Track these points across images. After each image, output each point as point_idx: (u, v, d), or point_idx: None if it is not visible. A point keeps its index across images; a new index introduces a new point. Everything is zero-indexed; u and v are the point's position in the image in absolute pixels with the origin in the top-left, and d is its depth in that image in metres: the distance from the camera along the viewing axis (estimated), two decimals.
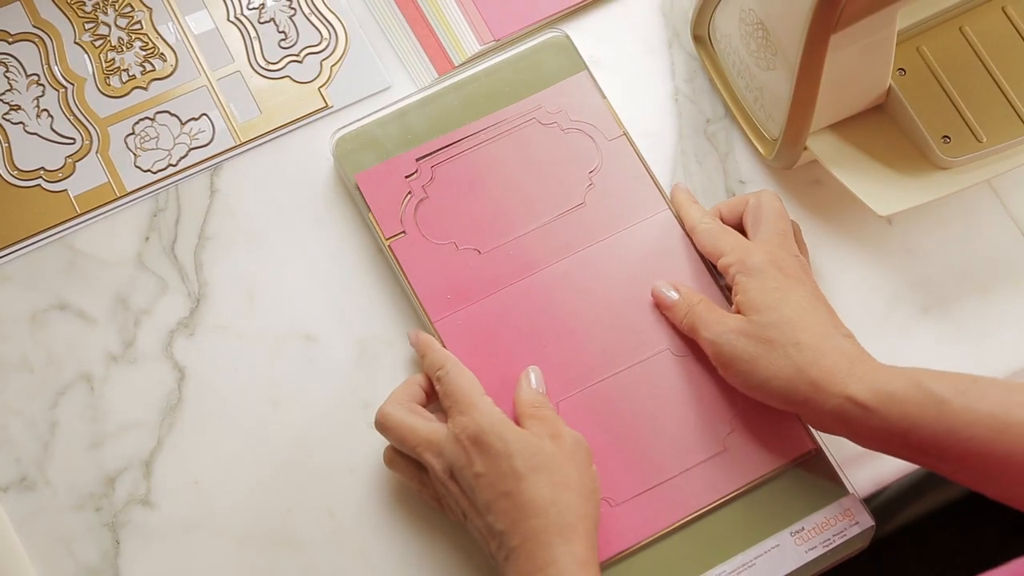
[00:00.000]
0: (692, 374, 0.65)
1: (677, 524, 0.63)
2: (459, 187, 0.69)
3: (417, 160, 0.69)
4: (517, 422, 0.61)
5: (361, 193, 0.68)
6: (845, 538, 0.64)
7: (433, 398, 0.64)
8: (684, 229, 0.68)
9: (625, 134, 0.70)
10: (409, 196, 0.68)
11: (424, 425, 0.61)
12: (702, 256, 0.68)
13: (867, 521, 0.64)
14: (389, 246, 0.67)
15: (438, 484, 0.61)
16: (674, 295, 0.65)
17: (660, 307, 0.66)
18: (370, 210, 0.68)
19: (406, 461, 0.63)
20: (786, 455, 0.64)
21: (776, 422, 0.64)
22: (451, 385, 0.61)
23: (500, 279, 0.67)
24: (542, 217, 0.68)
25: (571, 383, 0.65)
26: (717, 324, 0.63)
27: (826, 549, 0.63)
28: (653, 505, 0.63)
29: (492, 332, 0.66)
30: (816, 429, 0.63)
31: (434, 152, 0.69)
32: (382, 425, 0.62)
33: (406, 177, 0.69)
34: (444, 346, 0.65)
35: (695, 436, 0.64)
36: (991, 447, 0.55)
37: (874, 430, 0.58)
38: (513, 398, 0.63)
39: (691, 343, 0.65)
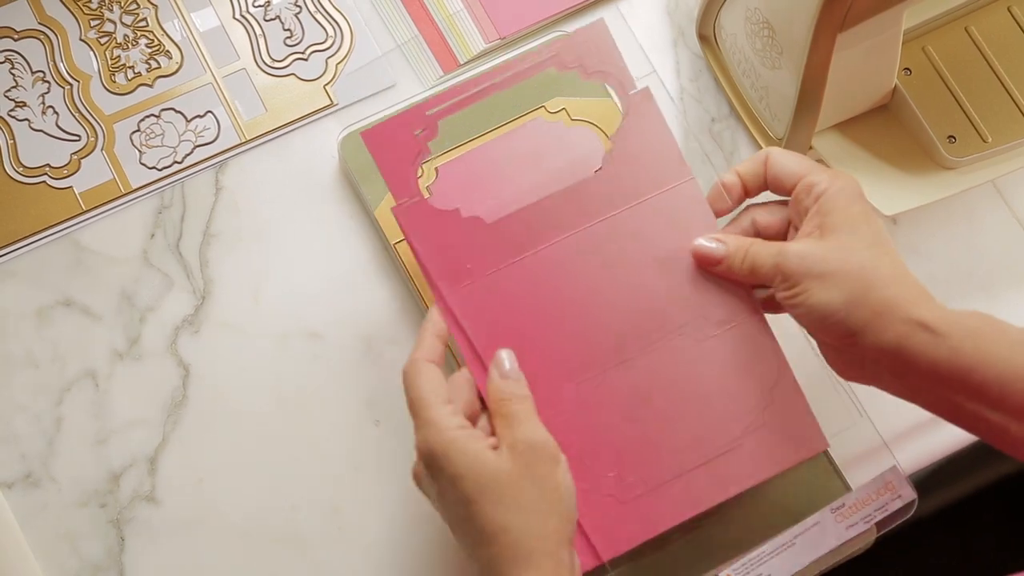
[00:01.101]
0: (714, 360, 0.62)
1: (698, 516, 0.60)
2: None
3: (427, 115, 0.63)
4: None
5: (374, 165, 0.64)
6: (888, 512, 0.62)
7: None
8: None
9: (648, 85, 0.64)
10: (420, 156, 0.63)
11: (421, 419, 0.56)
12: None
13: (909, 493, 0.62)
14: (395, 213, 0.62)
15: None
16: (722, 247, 0.61)
17: (707, 264, 0.61)
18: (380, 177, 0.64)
19: None
20: (805, 450, 0.61)
21: (794, 417, 0.61)
22: (410, 392, 0.56)
23: (512, 250, 0.62)
24: (559, 180, 0.64)
25: (586, 366, 0.61)
26: (781, 250, 0.58)
27: (867, 525, 0.61)
28: (673, 496, 0.60)
29: (503, 308, 0.61)
30: (855, 374, 0.59)
31: (444, 107, 0.64)
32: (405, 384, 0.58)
33: (416, 135, 0.63)
34: (457, 322, 0.60)
35: (717, 425, 0.61)
36: None
37: (934, 364, 0.55)
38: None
39: (715, 325, 0.62)
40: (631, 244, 0.62)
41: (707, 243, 0.61)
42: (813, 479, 0.65)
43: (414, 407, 0.56)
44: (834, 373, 0.60)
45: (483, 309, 0.61)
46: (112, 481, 0.66)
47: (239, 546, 0.65)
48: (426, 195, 0.68)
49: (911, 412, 0.58)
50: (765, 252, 0.59)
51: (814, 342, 0.61)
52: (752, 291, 0.62)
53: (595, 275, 0.62)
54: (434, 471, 0.55)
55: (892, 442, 0.69)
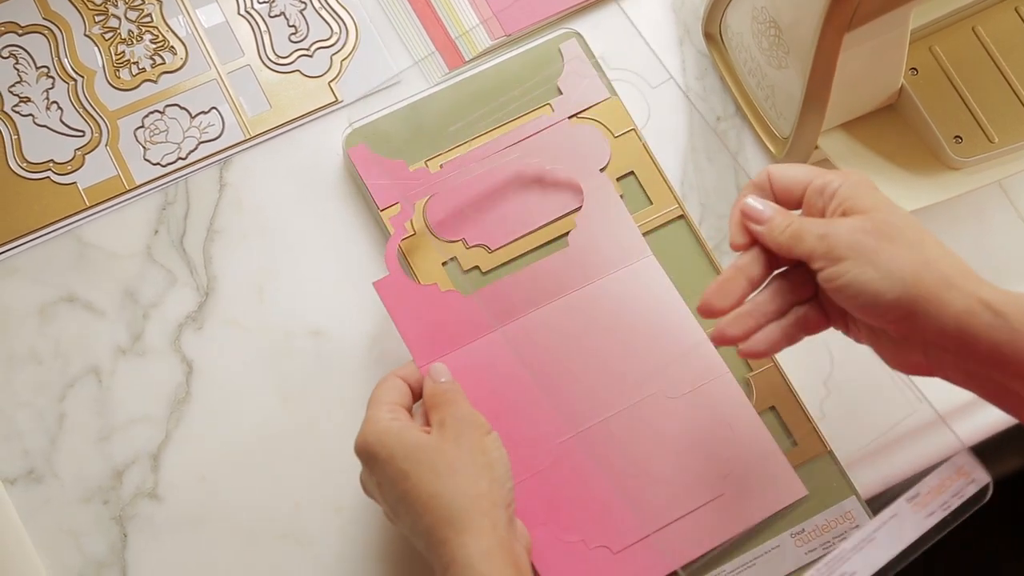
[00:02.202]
0: (686, 417, 0.64)
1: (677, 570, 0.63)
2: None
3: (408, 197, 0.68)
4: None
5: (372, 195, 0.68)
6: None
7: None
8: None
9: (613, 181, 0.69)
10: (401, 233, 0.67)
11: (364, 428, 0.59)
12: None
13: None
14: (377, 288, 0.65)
15: None
16: (769, 210, 0.57)
17: (751, 220, 0.57)
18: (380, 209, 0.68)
19: None
20: (782, 500, 0.63)
21: (771, 466, 0.64)
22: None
23: (488, 323, 0.65)
24: (530, 258, 0.68)
25: (558, 431, 0.64)
26: (828, 223, 0.55)
27: (825, 551, 0.63)
28: (651, 552, 0.62)
29: (478, 377, 0.64)
30: (914, 362, 0.55)
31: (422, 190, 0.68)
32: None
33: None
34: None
35: (692, 480, 0.63)
36: None
37: (996, 346, 0.51)
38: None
39: (686, 383, 0.64)
40: (599, 314, 0.66)
41: (755, 203, 0.58)
42: (820, 481, 0.65)
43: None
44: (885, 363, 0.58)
45: (459, 379, 0.63)
46: (115, 478, 0.66)
47: (241, 543, 0.65)
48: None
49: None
50: (811, 224, 0.55)
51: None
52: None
53: (566, 345, 0.65)
54: (370, 463, 0.57)
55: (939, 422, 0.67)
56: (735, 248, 0.58)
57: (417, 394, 0.61)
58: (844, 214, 0.55)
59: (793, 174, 0.58)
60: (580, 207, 0.68)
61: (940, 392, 0.62)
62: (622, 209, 0.68)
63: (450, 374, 0.62)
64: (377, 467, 0.57)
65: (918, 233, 0.54)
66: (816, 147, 0.69)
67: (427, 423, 0.59)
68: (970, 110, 0.70)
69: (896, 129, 0.70)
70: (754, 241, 0.58)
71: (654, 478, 0.63)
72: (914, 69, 0.71)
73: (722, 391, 0.65)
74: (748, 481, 0.63)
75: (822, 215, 0.56)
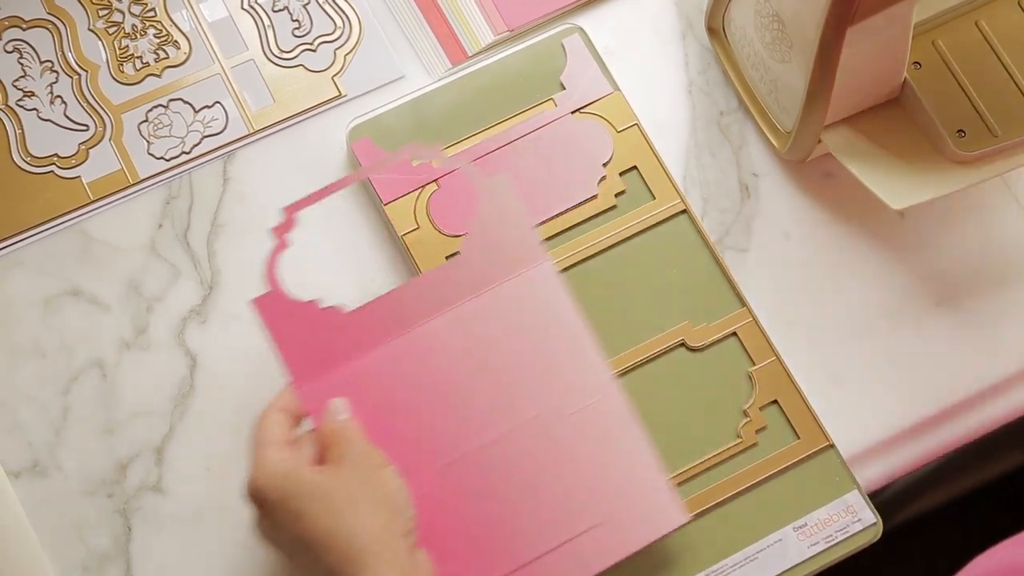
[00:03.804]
0: (573, 439, 0.62)
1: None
2: None
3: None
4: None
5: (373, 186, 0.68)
6: (848, 534, 0.64)
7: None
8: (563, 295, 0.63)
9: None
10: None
11: (251, 463, 0.57)
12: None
13: (870, 518, 0.64)
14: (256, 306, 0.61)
15: None
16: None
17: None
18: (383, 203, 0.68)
19: None
20: (661, 527, 0.61)
21: (652, 493, 0.62)
22: (253, 438, 0.57)
23: (371, 340, 0.61)
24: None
25: (445, 451, 0.61)
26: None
27: (828, 545, 0.63)
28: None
29: (361, 397, 0.61)
30: None
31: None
32: None
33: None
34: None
35: (573, 506, 0.61)
36: None
37: None
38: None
39: (575, 403, 0.62)
40: (489, 328, 0.62)
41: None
42: (823, 475, 0.65)
43: (250, 452, 0.57)
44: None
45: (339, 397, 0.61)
46: (119, 471, 0.66)
47: (246, 536, 0.65)
48: (434, 187, 0.68)
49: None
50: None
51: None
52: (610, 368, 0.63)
53: (454, 360, 0.62)
54: (264, 507, 0.55)
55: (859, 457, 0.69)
56: None
57: (297, 421, 0.59)
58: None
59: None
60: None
61: (847, 433, 0.66)
62: (520, 208, 0.63)
63: (349, 410, 0.59)
64: (270, 510, 0.55)
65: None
66: (819, 141, 0.70)
67: (320, 460, 0.57)
68: (973, 104, 0.70)
69: (899, 123, 0.70)
70: None
71: (534, 504, 0.61)
72: (917, 63, 0.71)
73: (612, 411, 0.62)
74: (630, 507, 0.61)
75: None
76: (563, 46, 0.72)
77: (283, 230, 0.62)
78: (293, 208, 0.62)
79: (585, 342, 0.63)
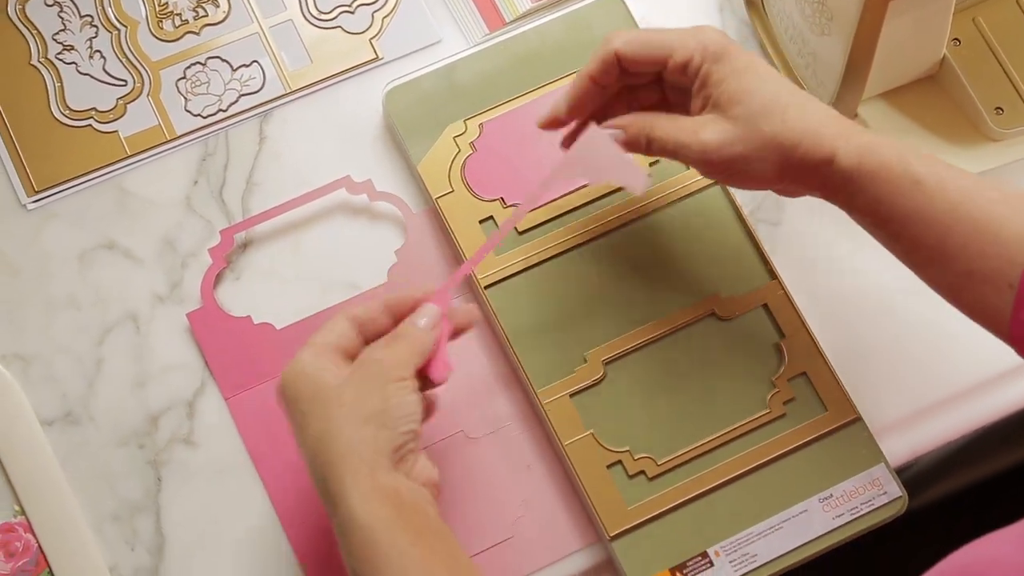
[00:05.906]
0: (484, 458, 0.65)
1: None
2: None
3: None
4: None
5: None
6: (873, 507, 0.64)
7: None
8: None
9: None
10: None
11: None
12: None
13: (895, 491, 0.64)
14: None
15: None
16: (620, 133, 0.60)
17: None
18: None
19: None
20: (575, 542, 0.64)
21: (565, 509, 0.65)
22: None
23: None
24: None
25: None
26: (696, 134, 0.58)
27: (853, 517, 0.64)
28: None
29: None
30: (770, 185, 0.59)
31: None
32: None
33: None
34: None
35: (486, 520, 0.64)
36: (946, 236, 0.55)
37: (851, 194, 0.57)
38: None
39: (488, 424, 0.65)
40: None
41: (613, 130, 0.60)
42: (850, 448, 0.65)
43: None
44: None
45: (266, 414, 0.63)
46: (151, 423, 0.66)
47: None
48: (469, 151, 0.68)
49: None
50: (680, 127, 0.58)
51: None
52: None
53: None
54: (282, 404, 0.56)
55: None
56: (546, 125, 0.62)
57: (363, 330, 0.58)
58: (715, 105, 0.58)
59: (645, 52, 0.59)
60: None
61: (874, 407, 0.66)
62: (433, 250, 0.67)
63: (435, 320, 0.58)
64: (287, 407, 0.56)
65: (780, 106, 0.56)
66: (856, 116, 0.69)
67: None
68: (1012, 81, 0.70)
69: (936, 99, 0.70)
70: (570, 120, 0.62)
71: (449, 519, 0.62)
72: (956, 39, 0.71)
73: (526, 432, 0.66)
74: (538, 524, 0.64)
75: (688, 93, 0.59)
76: (601, 15, 0.72)
77: (222, 251, 0.67)
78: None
79: (499, 365, 0.67)
